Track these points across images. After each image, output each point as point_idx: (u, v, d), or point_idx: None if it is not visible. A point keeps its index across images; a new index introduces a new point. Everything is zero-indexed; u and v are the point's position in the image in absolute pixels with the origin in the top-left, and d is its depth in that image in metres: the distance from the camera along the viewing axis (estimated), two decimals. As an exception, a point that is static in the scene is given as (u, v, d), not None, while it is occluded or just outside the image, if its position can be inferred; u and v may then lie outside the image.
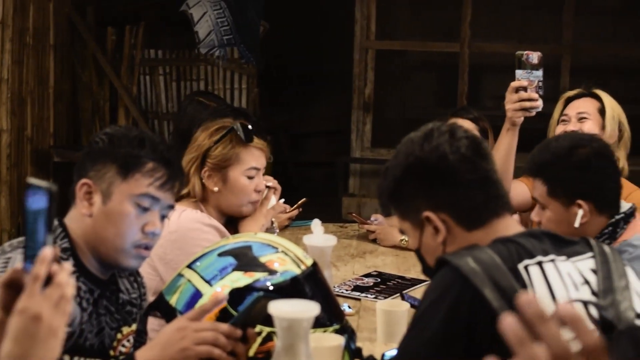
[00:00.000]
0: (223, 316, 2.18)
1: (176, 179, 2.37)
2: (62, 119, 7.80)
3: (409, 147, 2.17)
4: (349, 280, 3.37)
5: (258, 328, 2.20)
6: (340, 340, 2.25)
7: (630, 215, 2.84)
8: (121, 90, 7.81)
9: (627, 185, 3.40)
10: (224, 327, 2.10)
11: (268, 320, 2.05)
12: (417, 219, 2.16)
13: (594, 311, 1.98)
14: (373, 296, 3.16)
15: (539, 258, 2.01)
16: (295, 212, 4.13)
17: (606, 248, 2.13)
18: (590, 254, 2.11)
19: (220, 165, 3.14)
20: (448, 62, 8.17)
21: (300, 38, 8.88)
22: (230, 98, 7.92)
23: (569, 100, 3.79)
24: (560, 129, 3.67)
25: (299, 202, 4.16)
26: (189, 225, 3.02)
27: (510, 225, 2.14)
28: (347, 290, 3.24)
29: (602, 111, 3.70)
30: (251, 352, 2.21)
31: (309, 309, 1.93)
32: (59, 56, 7.64)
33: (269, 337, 2.17)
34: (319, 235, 2.87)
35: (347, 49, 8.05)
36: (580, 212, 2.75)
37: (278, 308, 1.93)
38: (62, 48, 7.69)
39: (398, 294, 3.18)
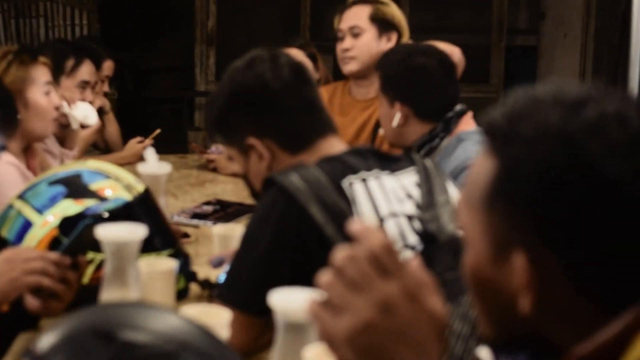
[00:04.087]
0: (54, 245, 2.17)
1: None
2: None
3: (232, 76, 2.20)
4: (188, 209, 3.37)
5: (90, 255, 2.20)
6: (173, 264, 2.26)
7: (458, 116, 2.99)
8: (-44, 28, 7.56)
9: None
10: (53, 255, 2.08)
11: (100, 247, 2.05)
12: (242, 146, 2.19)
13: (417, 224, 2.04)
14: (212, 222, 3.18)
15: (363, 174, 2.06)
16: (149, 142, 4.14)
17: (428, 163, 2.21)
18: (413, 168, 2.17)
19: (17, 90, 3.07)
20: (291, -7, 8.16)
21: (141, -29, 8.73)
22: (71, 35, 7.75)
23: (343, 12, 3.79)
24: (338, 48, 3.72)
25: (153, 133, 4.19)
26: None
27: (335, 145, 2.18)
28: (185, 218, 3.24)
29: (375, 17, 3.70)
30: (85, 280, 2.21)
31: (136, 231, 1.94)
32: None
33: (102, 264, 2.16)
34: (153, 163, 2.86)
35: (188, -19, 7.96)
36: (397, 115, 2.86)
37: (105, 232, 1.93)
38: None
39: (236, 219, 3.21)
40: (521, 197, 1.04)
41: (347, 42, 3.70)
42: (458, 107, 2.99)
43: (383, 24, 3.69)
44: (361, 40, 3.70)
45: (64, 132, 3.37)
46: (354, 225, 1.08)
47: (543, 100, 1.07)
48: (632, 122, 1.03)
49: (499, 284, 1.09)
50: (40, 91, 3.12)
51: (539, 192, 1.03)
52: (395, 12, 3.74)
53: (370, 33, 3.69)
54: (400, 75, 2.91)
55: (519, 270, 1.05)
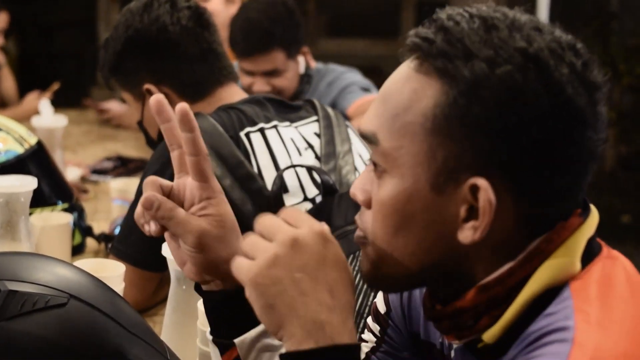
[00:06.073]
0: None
1: None
2: None
3: (129, 19, 2.12)
4: (88, 165, 3.29)
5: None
6: (68, 218, 2.21)
7: None
8: None
9: None
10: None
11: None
12: (138, 92, 2.13)
13: (317, 176, 2.01)
14: (112, 178, 3.11)
15: (261, 125, 2.02)
16: (47, 95, 4.05)
17: (330, 112, 2.16)
18: (314, 117, 2.13)
19: None
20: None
21: None
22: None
23: None
24: None
25: (51, 87, 4.10)
26: None
27: (235, 93, 2.14)
28: (85, 174, 3.16)
29: None
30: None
31: (26, 183, 1.88)
32: None
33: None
34: (48, 116, 2.78)
35: None
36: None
37: (-7, 184, 1.87)
38: None
39: (136, 174, 3.15)
40: (483, 120, 1.00)
41: None
42: None
43: None
44: (210, 5, 3.59)
45: None
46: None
47: (495, 22, 1.03)
48: (581, 50, 1.03)
49: (435, 214, 1.04)
50: None
51: (503, 113, 0.99)
52: None
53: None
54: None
55: (478, 198, 1.00)
